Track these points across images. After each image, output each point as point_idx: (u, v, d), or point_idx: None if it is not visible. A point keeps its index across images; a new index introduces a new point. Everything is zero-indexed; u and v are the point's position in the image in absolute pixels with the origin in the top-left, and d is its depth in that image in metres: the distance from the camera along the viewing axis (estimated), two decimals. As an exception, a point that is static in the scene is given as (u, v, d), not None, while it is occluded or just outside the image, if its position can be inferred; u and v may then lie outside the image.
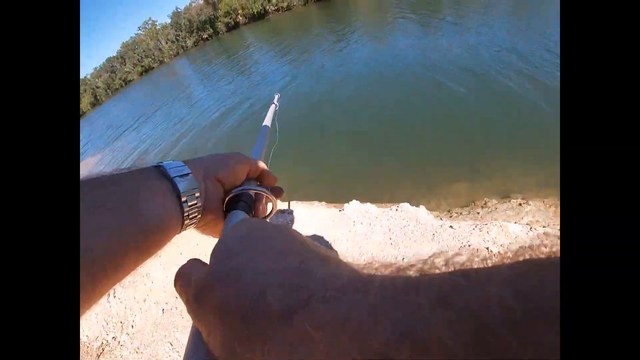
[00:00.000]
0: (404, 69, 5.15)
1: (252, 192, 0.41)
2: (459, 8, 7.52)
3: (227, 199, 0.39)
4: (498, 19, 6.17)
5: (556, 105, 2.97)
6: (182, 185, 0.33)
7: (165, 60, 29.82)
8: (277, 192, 0.46)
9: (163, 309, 1.99)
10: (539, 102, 3.17)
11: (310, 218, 2.13)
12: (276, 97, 0.94)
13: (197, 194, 0.34)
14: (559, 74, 3.44)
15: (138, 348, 1.82)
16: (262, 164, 0.46)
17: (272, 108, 0.82)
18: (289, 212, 2.12)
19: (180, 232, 0.34)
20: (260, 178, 0.45)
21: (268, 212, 0.44)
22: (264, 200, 0.43)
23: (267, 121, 0.70)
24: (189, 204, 0.33)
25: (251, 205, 0.40)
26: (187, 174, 0.34)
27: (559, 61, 3.70)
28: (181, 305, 1.95)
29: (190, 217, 0.33)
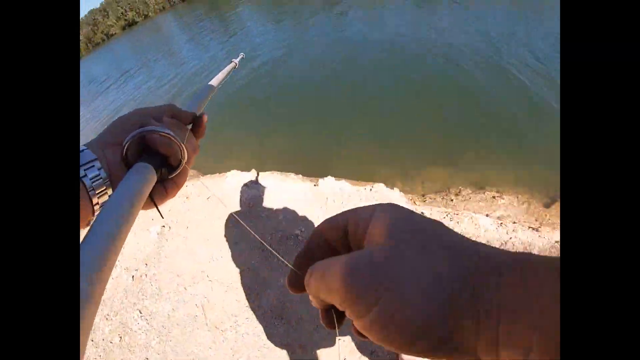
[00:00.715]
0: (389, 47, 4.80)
1: (147, 136, 0.36)
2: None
3: (123, 153, 0.36)
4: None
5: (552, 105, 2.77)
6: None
7: (150, 14, 27.96)
8: (197, 127, 0.44)
9: (133, 276, 2.00)
10: (535, 98, 2.91)
11: (281, 191, 2.11)
12: (240, 56, 0.85)
13: (99, 166, 0.34)
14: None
15: (108, 315, 1.84)
16: (177, 108, 0.43)
17: (229, 66, 0.74)
18: (257, 184, 2.09)
19: (93, 210, 0.34)
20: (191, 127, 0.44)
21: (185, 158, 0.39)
22: (173, 145, 0.37)
23: (215, 80, 0.62)
24: (90, 177, 0.33)
25: (154, 154, 0.36)
26: (82, 150, 0.34)
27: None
28: (150, 273, 1.96)
29: (96, 190, 0.33)
